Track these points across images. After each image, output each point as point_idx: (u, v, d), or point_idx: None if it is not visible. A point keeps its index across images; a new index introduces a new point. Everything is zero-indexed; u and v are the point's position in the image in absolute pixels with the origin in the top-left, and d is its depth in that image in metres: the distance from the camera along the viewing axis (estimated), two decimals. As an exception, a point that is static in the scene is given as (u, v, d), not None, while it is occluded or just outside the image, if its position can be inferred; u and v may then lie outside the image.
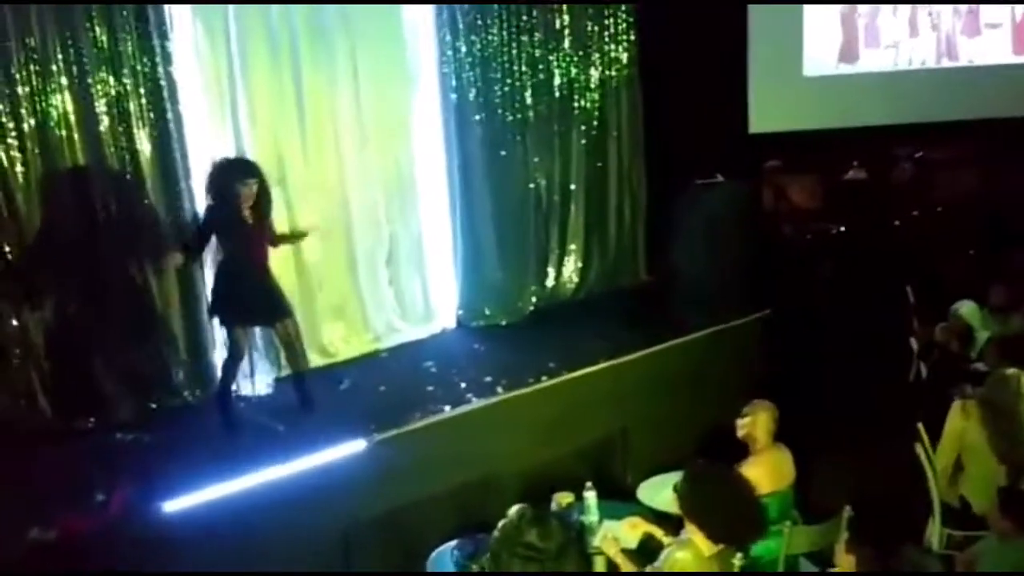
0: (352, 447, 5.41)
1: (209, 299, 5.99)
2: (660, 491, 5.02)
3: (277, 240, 6.05)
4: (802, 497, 5.13)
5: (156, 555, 4.67)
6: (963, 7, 9.17)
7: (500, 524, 3.45)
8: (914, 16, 9.19)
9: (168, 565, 4.66)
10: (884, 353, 7.03)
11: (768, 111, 8.97)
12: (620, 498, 5.22)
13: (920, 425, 5.38)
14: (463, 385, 6.43)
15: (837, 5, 9.08)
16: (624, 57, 8.52)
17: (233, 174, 5.78)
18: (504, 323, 7.84)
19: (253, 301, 5.85)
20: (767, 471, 4.83)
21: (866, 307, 7.47)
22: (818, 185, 9.01)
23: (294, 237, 6.31)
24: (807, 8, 9.01)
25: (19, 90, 5.70)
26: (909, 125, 9.03)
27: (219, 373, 6.17)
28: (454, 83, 7.61)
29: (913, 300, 7.32)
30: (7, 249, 5.62)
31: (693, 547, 3.85)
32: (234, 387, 6.12)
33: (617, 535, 4.44)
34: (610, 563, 4.37)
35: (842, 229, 8.77)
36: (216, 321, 6.09)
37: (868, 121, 8.98)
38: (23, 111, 5.74)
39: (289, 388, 6.23)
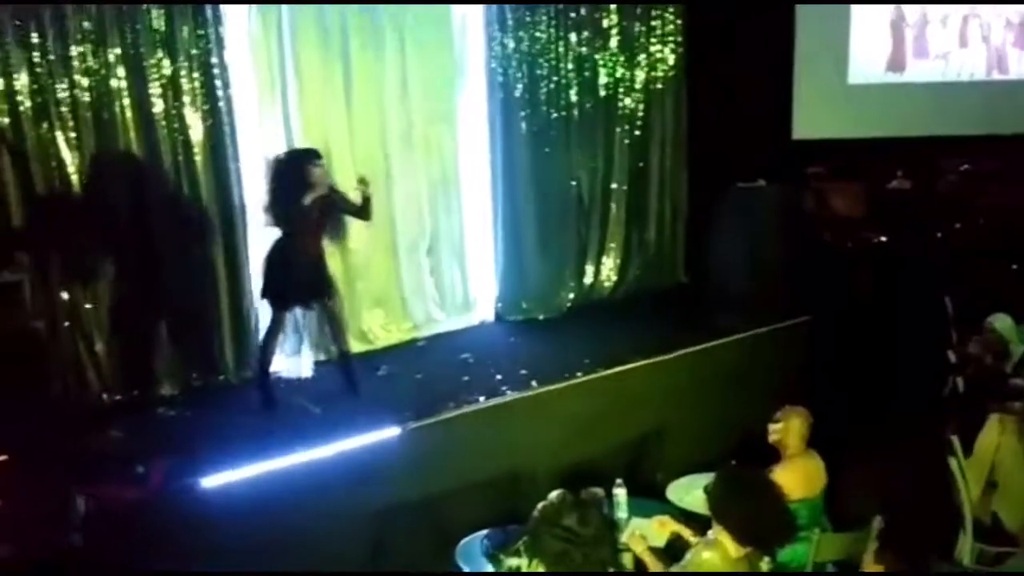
0: (387, 433, 5.48)
1: (261, 280, 6.06)
2: (690, 491, 5.04)
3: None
4: (833, 505, 5.12)
5: (191, 529, 4.77)
6: (1016, 19, 9.07)
7: (540, 505, 3.50)
8: (964, 27, 9.10)
9: (202, 539, 4.75)
10: (921, 364, 6.98)
11: (813, 117, 8.92)
12: (650, 496, 5.25)
13: (954, 438, 5.35)
14: (498, 377, 6.47)
15: (886, 14, 9.00)
16: (671, 59, 8.53)
17: (306, 158, 5.90)
18: (541, 318, 7.90)
19: (305, 281, 5.94)
20: (798, 477, 4.82)
21: (905, 318, 7.42)
22: (861, 193, 8.93)
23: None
24: (855, 16, 8.95)
25: (75, 68, 5.83)
26: (956, 137, 8.95)
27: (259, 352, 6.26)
28: (501, 79, 7.66)
29: (952, 312, 7.26)
30: (60, 225, 5.73)
31: (720, 548, 3.86)
32: (272, 366, 6.18)
33: (645, 533, 4.46)
34: (637, 560, 4.41)
35: (883, 239, 8.71)
36: (264, 301, 6.15)
37: (914, 131, 8.90)
38: (78, 91, 5.86)
39: (329, 372, 6.32)
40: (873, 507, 4.67)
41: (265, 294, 6.05)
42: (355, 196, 6.03)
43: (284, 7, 6.64)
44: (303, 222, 5.86)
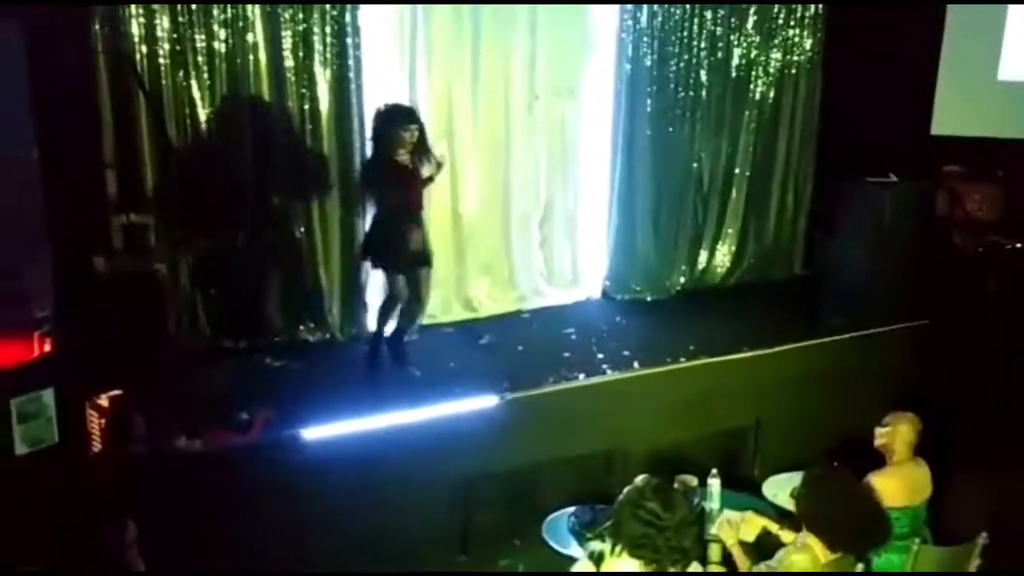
0: (484, 401, 5.51)
1: (362, 241, 6.12)
2: (786, 489, 4.92)
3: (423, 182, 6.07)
4: (938, 517, 4.94)
5: (288, 478, 4.89)
6: None
7: (626, 488, 3.47)
8: None
9: (297, 489, 4.87)
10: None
11: (956, 113, 8.52)
12: (744, 490, 5.16)
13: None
14: (600, 355, 6.44)
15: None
16: (808, 43, 8.29)
17: (395, 120, 5.87)
18: (649, 299, 7.82)
19: (402, 246, 5.95)
20: (901, 484, 4.68)
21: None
22: (998, 196, 8.52)
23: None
24: (1011, 11, 8.50)
25: (214, 18, 5.98)
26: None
27: (373, 314, 6.34)
28: (630, 53, 7.55)
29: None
30: (186, 171, 5.91)
31: (810, 552, 3.77)
32: (386, 329, 6.21)
33: (736, 526, 4.40)
34: (725, 552, 4.34)
35: (1018, 245, 8.30)
36: (367, 263, 6.23)
37: (1064, 136, 8.43)
38: (216, 42, 6.01)
39: (431, 335, 6.37)
40: (979, 523, 4.49)
41: (365, 256, 6.11)
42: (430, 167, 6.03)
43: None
44: (398, 182, 5.86)
